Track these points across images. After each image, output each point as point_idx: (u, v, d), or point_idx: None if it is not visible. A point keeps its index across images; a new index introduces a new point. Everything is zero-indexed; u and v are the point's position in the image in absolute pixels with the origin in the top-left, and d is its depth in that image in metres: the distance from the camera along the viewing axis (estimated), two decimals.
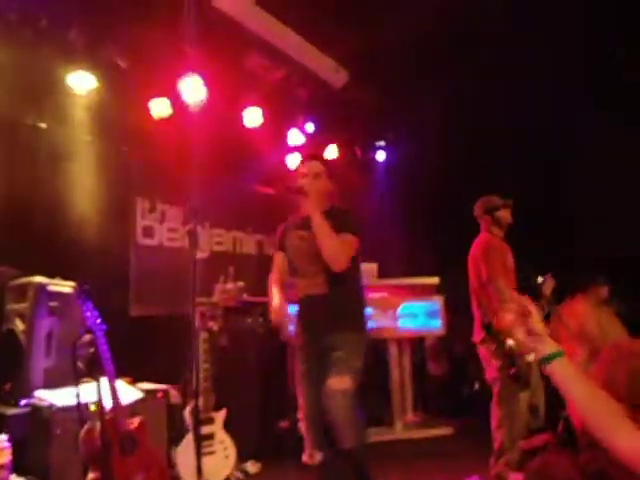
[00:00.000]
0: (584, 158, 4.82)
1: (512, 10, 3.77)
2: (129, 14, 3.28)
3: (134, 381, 2.99)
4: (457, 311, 4.32)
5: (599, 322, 4.11)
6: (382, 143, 5.67)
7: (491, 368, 2.99)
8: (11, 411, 2.63)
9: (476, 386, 4.59)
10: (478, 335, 3.08)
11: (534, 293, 3.46)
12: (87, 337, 2.66)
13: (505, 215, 3.23)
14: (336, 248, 2.38)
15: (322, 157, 2.70)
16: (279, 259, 2.66)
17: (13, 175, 3.25)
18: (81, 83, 3.54)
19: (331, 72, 4.28)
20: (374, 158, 5.79)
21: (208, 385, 3.20)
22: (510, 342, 2.80)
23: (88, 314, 2.50)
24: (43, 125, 3.57)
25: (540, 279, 3.46)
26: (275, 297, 2.50)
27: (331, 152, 5.19)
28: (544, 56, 4.08)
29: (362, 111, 4.82)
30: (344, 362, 2.34)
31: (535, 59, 4.11)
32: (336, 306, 2.45)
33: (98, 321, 2.52)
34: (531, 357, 2.91)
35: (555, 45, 3.95)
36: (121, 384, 2.66)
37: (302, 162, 2.67)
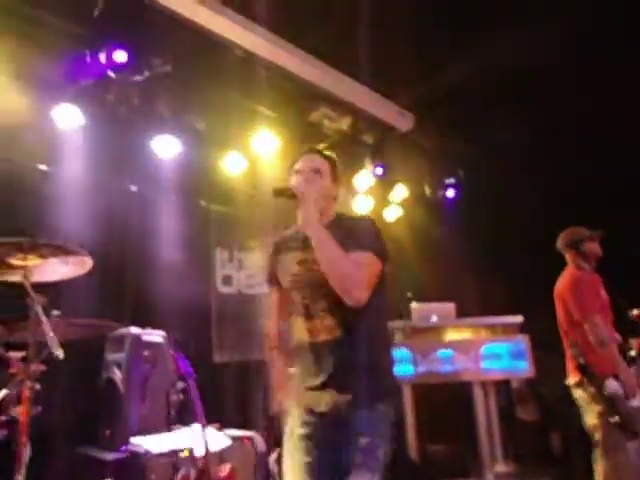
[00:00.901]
0: None
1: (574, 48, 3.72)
2: (206, 83, 3.58)
3: (222, 427, 3.07)
4: (545, 351, 4.09)
5: None
6: (452, 180, 5.63)
7: (591, 414, 2.77)
8: (112, 456, 2.78)
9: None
10: (573, 377, 2.88)
11: (631, 328, 3.23)
12: (179, 385, 2.80)
13: (593, 247, 3.04)
14: (348, 273, 1.67)
15: (327, 153, 1.92)
16: (276, 300, 1.91)
17: (109, 234, 3.56)
18: (166, 147, 3.87)
19: (397, 117, 4.38)
20: (444, 196, 5.75)
21: None
22: (612, 385, 2.61)
23: (179, 362, 2.64)
24: (134, 188, 3.91)
25: (635, 311, 3.22)
26: (279, 381, 1.86)
27: (400, 192, 5.24)
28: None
29: (430, 151, 4.86)
30: (369, 456, 1.63)
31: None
32: (353, 359, 1.71)
33: (189, 369, 2.65)
34: (638, 402, 2.67)
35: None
36: (211, 430, 2.75)
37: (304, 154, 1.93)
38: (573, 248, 3.05)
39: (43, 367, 1.91)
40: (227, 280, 4.59)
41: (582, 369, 2.77)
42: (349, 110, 4.36)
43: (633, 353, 3.09)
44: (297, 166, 1.87)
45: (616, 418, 2.59)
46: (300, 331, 1.78)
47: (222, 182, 4.38)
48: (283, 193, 1.76)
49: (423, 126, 4.53)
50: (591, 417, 2.78)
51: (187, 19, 2.85)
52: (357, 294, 1.68)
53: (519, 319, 4.32)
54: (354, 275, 1.68)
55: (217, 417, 3.13)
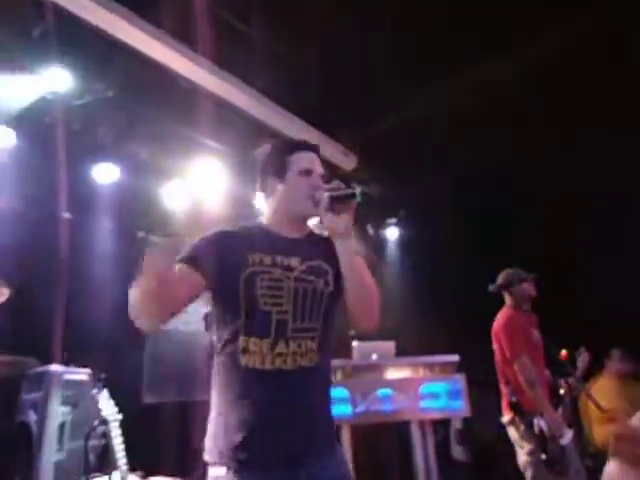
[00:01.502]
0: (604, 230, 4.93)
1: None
2: (150, 111, 3.52)
3: (146, 475, 2.86)
4: (482, 390, 4.16)
5: (627, 399, 3.94)
6: (393, 220, 5.77)
7: (522, 451, 2.82)
8: None
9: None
10: (506, 415, 2.94)
11: (559, 369, 3.36)
12: (100, 428, 2.60)
13: (527, 288, 3.17)
14: (375, 294, 1.54)
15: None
16: (188, 284, 1.51)
17: (33, 267, 3.34)
18: (105, 175, 3.73)
19: (341, 156, 4.48)
20: (386, 235, 5.87)
21: None
22: (541, 423, 2.67)
23: (103, 403, 2.46)
24: (67, 215, 3.72)
25: (563, 352, 3.36)
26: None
27: None
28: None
29: (372, 191, 4.98)
30: None
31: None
32: (326, 394, 1.54)
33: (113, 410, 2.48)
34: (565, 440, 2.75)
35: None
36: (133, 479, 2.55)
37: (307, 150, 1.63)
38: (508, 289, 3.18)
39: None
40: None
41: (513, 407, 2.84)
42: None
43: (562, 392, 3.20)
44: (306, 165, 1.57)
45: (544, 456, 2.65)
46: (259, 355, 1.45)
47: (163, 213, 4.26)
48: (346, 200, 1.49)
49: (366, 167, 4.65)
50: (522, 454, 2.83)
51: (130, 46, 2.81)
52: (377, 317, 1.54)
53: (456, 358, 4.40)
54: (378, 298, 1.54)
55: (143, 463, 2.92)
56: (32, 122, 3.23)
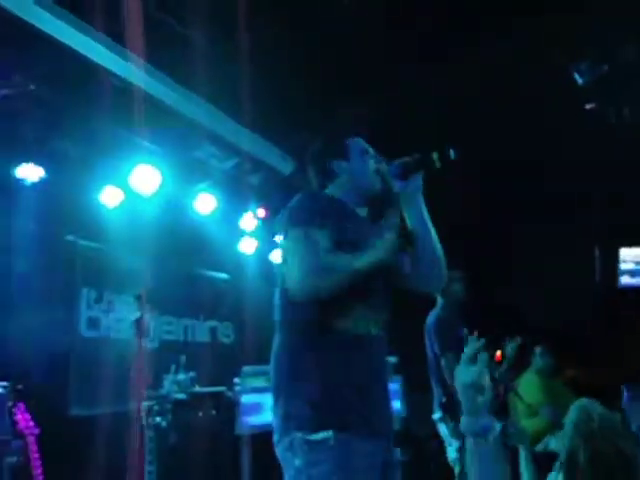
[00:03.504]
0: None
1: None
2: (79, 110, 3.37)
3: None
4: (419, 391, 4.25)
5: (550, 393, 4.18)
6: None
7: (451, 448, 2.90)
8: None
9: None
10: (438, 412, 3.03)
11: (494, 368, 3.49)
12: (15, 444, 2.44)
13: (457, 288, 3.28)
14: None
15: None
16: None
17: None
18: (29, 174, 3.52)
19: (279, 160, 4.48)
20: None
21: None
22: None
23: (19, 417, 2.31)
24: None
25: (498, 353, 3.51)
26: None
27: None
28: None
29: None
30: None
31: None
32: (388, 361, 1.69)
33: (30, 424, 2.33)
34: (492, 435, 2.85)
35: None
36: None
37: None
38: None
39: None
40: (93, 323, 4.19)
41: (442, 405, 2.92)
42: (234, 151, 4.37)
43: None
44: (365, 145, 1.72)
45: None
46: (361, 319, 1.49)
47: (94, 216, 4.07)
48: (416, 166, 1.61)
49: (303, 172, 4.66)
50: (451, 451, 2.91)
51: (52, 38, 2.67)
52: (445, 278, 1.69)
53: (393, 360, 4.47)
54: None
55: (65, 477, 2.75)
56: None
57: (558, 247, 5.58)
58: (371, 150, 1.72)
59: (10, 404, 2.36)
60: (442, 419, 2.98)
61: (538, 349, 4.17)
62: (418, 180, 1.62)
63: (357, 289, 1.46)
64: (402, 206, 1.64)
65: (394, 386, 4.37)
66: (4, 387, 2.75)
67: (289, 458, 1.43)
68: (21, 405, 2.41)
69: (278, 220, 1.62)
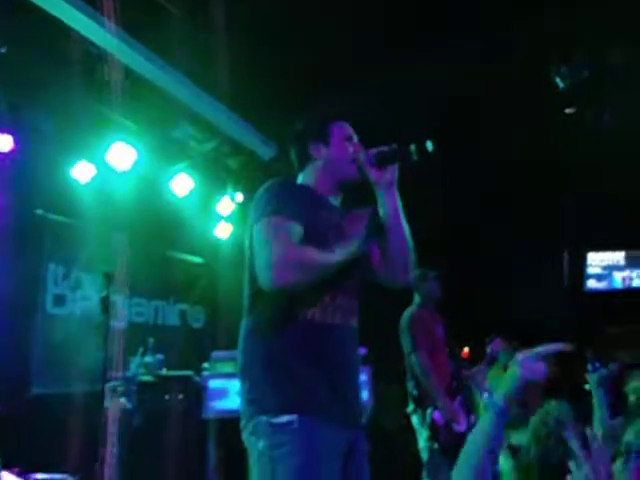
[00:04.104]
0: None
1: None
2: (53, 79, 3.24)
3: (24, 471, 2.63)
4: (389, 381, 4.29)
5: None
6: None
7: (421, 438, 3.01)
8: None
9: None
10: (410, 405, 3.12)
11: (462, 364, 3.55)
12: None
13: (432, 286, 3.31)
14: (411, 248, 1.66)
15: None
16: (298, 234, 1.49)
17: None
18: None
19: (260, 144, 4.41)
20: None
21: (116, 473, 2.89)
22: (433, 414, 2.81)
23: None
24: None
25: (465, 350, 3.55)
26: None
27: None
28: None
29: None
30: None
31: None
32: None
33: None
34: (461, 427, 2.90)
35: None
36: (8, 477, 2.33)
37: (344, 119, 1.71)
38: (416, 287, 3.29)
39: None
40: (59, 300, 4.07)
41: (414, 398, 3.01)
42: (213, 132, 4.28)
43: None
44: (349, 131, 1.67)
45: (435, 445, 2.80)
46: (329, 308, 1.51)
47: (65, 191, 3.94)
48: (392, 157, 1.57)
49: (285, 157, 4.60)
50: (421, 441, 3.05)
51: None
52: (411, 271, 1.67)
53: (362, 351, 4.49)
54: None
55: (31, 458, 2.69)
56: None
57: (529, 250, 5.70)
58: (355, 138, 1.67)
59: None
60: (414, 411, 3.08)
61: (511, 343, 4.23)
62: (394, 171, 1.59)
63: (327, 280, 1.47)
64: (376, 195, 1.62)
65: (362, 377, 4.39)
66: None
67: (253, 442, 1.43)
68: None
69: (250, 207, 1.59)
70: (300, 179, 1.68)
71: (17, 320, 3.55)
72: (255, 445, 1.42)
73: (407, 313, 3.26)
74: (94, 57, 3.07)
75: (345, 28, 3.46)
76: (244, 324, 1.56)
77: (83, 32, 2.83)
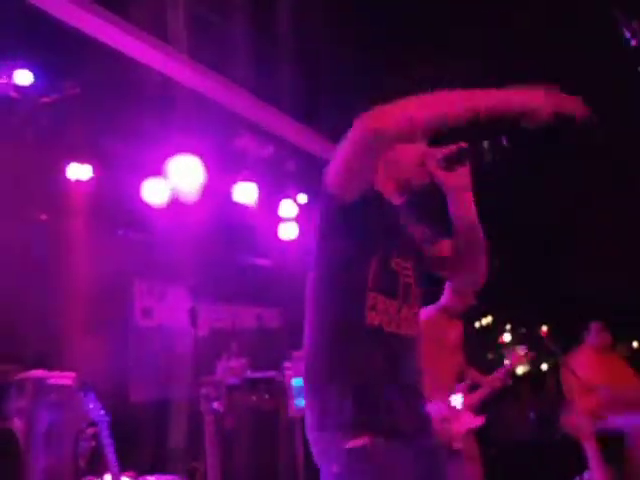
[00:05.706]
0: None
1: None
2: (121, 106, 3.44)
3: (138, 475, 2.84)
4: None
5: (608, 370, 4.09)
6: None
7: None
8: None
9: None
10: None
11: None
12: (89, 431, 2.57)
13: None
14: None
15: None
16: None
17: (12, 266, 3.25)
18: (79, 172, 3.63)
19: (318, 146, 4.45)
20: None
21: (219, 474, 3.05)
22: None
23: (90, 406, 2.43)
24: (43, 217, 3.63)
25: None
26: None
27: None
28: None
29: None
30: None
31: None
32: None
33: (101, 412, 2.45)
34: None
35: None
36: None
37: None
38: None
39: None
40: (147, 313, 4.34)
41: None
42: (272, 138, 4.37)
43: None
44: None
45: None
46: (380, 313, 1.38)
47: (141, 210, 4.18)
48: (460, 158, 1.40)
49: None
50: None
51: (97, 40, 2.71)
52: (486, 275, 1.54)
53: None
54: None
55: (134, 463, 2.89)
56: None
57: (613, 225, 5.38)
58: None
59: (81, 394, 2.48)
60: None
61: (595, 325, 4.07)
62: (466, 174, 1.42)
63: (387, 290, 1.40)
64: (448, 200, 1.48)
65: None
66: (73, 379, 2.90)
67: (326, 462, 1.35)
68: (91, 394, 2.52)
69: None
70: None
71: (112, 336, 3.81)
72: (328, 467, 1.33)
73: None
74: (159, 82, 3.22)
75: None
76: (309, 332, 1.48)
77: (150, 63, 2.98)
